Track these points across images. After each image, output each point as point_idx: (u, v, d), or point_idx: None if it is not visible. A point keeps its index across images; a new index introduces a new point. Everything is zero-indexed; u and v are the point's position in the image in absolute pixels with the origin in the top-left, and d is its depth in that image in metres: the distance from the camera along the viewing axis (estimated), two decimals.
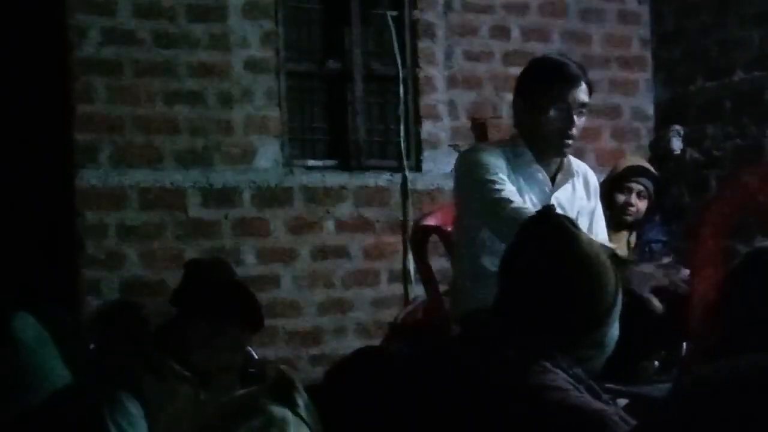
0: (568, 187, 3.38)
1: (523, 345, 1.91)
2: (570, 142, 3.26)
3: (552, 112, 3.20)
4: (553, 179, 3.34)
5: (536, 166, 3.30)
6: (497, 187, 3.14)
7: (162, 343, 2.91)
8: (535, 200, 3.29)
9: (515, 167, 3.29)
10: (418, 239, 4.26)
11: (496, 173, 3.18)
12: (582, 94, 3.22)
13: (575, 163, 3.45)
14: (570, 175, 3.37)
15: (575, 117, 3.20)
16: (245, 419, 2.16)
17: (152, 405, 2.76)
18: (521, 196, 3.25)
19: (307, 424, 2.12)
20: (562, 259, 1.97)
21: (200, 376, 2.90)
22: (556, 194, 3.33)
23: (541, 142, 3.27)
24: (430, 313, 4.25)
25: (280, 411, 2.11)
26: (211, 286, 3.01)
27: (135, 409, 2.72)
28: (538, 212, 2.14)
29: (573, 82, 3.21)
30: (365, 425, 2.12)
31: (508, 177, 3.24)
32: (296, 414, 2.12)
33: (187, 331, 2.86)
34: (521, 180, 3.29)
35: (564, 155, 3.33)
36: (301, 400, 2.14)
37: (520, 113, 3.34)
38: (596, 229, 3.45)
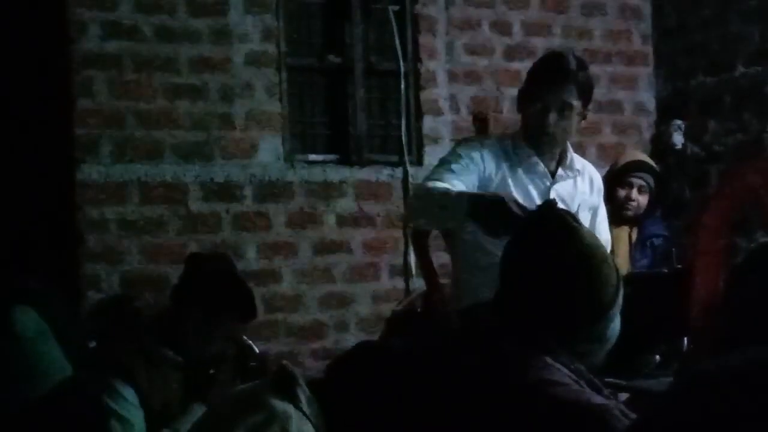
0: (569, 182, 3.38)
1: (523, 340, 1.91)
2: (547, 139, 3.25)
3: (531, 108, 3.22)
4: (553, 173, 3.35)
5: (535, 159, 3.30)
6: (435, 174, 3.20)
7: (158, 333, 2.93)
8: (534, 193, 3.30)
9: (515, 160, 3.30)
10: (420, 232, 4.26)
11: (450, 164, 3.21)
12: (567, 95, 3.19)
13: (579, 161, 3.44)
14: (572, 171, 3.37)
15: (553, 115, 3.19)
16: (247, 414, 2.16)
17: (147, 393, 2.77)
18: (520, 188, 3.26)
19: (309, 419, 2.12)
20: (563, 252, 1.96)
21: (195, 364, 2.91)
22: (555, 187, 3.33)
23: (529, 135, 3.29)
24: (430, 303, 4.25)
25: (282, 406, 2.11)
26: (205, 276, 3.03)
27: (131, 398, 2.74)
28: (539, 206, 2.14)
29: (555, 82, 3.19)
30: (366, 420, 2.12)
31: (501, 170, 3.25)
32: (298, 409, 2.12)
33: (183, 320, 2.87)
34: (521, 172, 3.30)
35: (547, 149, 3.32)
36: (303, 395, 2.14)
37: (517, 102, 3.38)
38: (599, 229, 3.44)
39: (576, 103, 3.22)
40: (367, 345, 2.81)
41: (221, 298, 2.92)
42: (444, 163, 3.25)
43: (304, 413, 2.11)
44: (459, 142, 3.47)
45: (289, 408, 2.11)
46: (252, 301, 3.04)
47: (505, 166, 3.28)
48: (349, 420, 2.16)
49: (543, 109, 3.19)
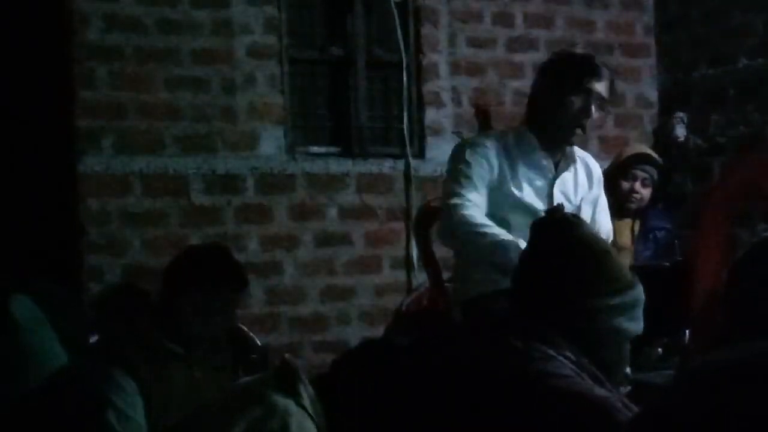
0: (570, 172, 3.40)
1: (525, 332, 1.91)
2: (580, 131, 3.30)
3: (573, 98, 3.24)
4: (556, 166, 3.37)
5: (541, 153, 3.33)
6: (460, 191, 3.21)
7: (156, 322, 2.92)
8: (538, 185, 3.31)
9: (518, 154, 3.32)
10: (424, 221, 4.27)
11: (469, 176, 3.23)
12: (604, 88, 3.28)
13: (578, 151, 3.47)
14: (571, 161, 3.40)
15: (593, 107, 3.24)
16: (248, 408, 2.15)
17: (146, 383, 2.77)
18: (523, 183, 3.28)
19: (310, 415, 2.11)
20: (558, 245, 1.99)
21: (195, 348, 2.91)
22: (558, 180, 3.35)
23: (554, 127, 3.30)
24: (435, 300, 4.25)
25: (283, 401, 2.11)
26: (195, 256, 3.02)
27: (130, 388, 2.74)
28: (545, 212, 2.17)
29: (599, 75, 3.28)
30: (370, 415, 2.12)
31: (502, 167, 3.27)
32: (300, 405, 2.11)
33: (180, 303, 2.87)
34: (523, 166, 3.31)
35: (571, 144, 3.37)
36: (305, 391, 2.13)
37: (540, 96, 3.36)
38: (600, 219, 3.47)
39: (608, 100, 3.33)
40: (372, 342, 2.82)
41: (214, 270, 2.91)
42: (460, 178, 3.25)
43: (305, 409, 2.11)
44: (464, 145, 3.46)
45: (290, 404, 2.10)
46: (241, 268, 3.03)
47: (505, 163, 3.29)
48: (352, 416, 2.16)
49: (587, 99, 3.24)
